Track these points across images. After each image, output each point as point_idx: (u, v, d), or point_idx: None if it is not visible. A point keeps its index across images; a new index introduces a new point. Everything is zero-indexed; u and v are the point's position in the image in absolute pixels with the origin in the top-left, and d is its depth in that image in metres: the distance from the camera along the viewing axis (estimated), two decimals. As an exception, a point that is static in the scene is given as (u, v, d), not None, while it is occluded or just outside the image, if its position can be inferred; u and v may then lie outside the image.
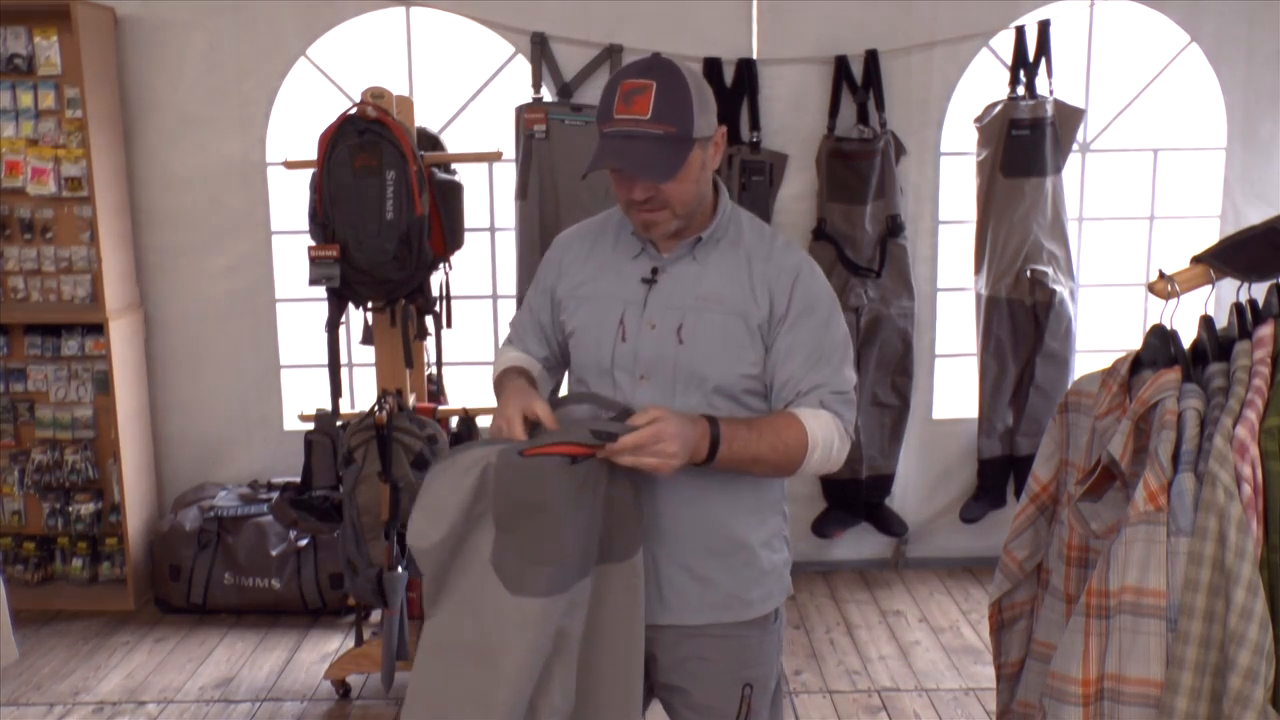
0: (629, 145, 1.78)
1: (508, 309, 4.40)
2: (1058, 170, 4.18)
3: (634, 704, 1.87)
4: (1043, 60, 4.16)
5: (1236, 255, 1.78)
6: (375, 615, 3.82)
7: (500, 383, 2.02)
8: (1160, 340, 1.74)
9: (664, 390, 1.88)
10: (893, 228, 4.20)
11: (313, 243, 3.29)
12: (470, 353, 4.52)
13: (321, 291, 3.34)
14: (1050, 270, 4.16)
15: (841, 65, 4.17)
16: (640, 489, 1.84)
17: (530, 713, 1.77)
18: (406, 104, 3.43)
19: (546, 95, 4.17)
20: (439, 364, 3.81)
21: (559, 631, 1.77)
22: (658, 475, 1.75)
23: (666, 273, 1.92)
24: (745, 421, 1.83)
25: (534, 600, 1.72)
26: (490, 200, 4.40)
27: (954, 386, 4.56)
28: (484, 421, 3.54)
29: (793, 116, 4.22)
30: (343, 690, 3.55)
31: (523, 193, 4.07)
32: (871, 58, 4.16)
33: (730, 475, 1.86)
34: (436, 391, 3.82)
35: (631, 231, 1.95)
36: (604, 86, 1.86)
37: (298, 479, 3.52)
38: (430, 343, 3.55)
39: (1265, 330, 1.63)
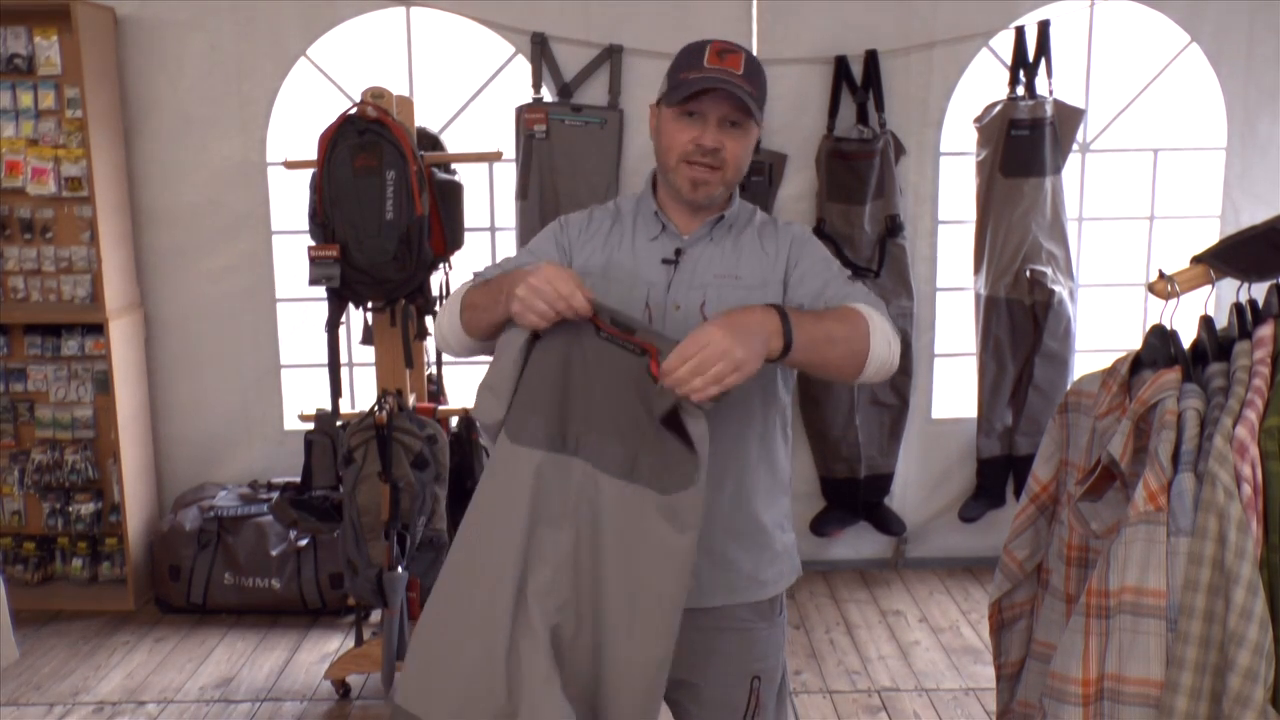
0: (725, 84, 1.81)
1: (508, 309, 4.39)
2: (1057, 170, 4.18)
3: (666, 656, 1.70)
4: (1042, 60, 4.16)
5: (1236, 255, 1.78)
6: (375, 615, 3.82)
7: (484, 287, 1.84)
8: (1160, 340, 1.74)
9: None
10: (892, 228, 4.20)
11: (313, 243, 3.29)
12: (470, 353, 4.52)
13: (321, 291, 3.34)
14: (1049, 270, 4.16)
15: (841, 65, 4.18)
16: (700, 431, 1.63)
17: (519, 591, 1.68)
18: (406, 104, 3.43)
19: (546, 95, 4.17)
20: (439, 364, 3.81)
21: (559, 502, 1.68)
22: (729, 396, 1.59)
23: (688, 254, 1.93)
24: (808, 312, 1.78)
25: (523, 449, 1.70)
26: (490, 200, 4.40)
27: (953, 386, 4.56)
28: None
29: (792, 116, 4.23)
30: (343, 690, 3.55)
31: (523, 193, 4.07)
32: (871, 58, 4.16)
33: (748, 454, 1.87)
34: (436, 391, 3.82)
35: (654, 212, 1.95)
36: (681, 51, 1.88)
37: (298, 479, 3.52)
38: (430, 343, 3.55)
39: (1265, 330, 1.63)
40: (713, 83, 1.81)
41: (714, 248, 1.94)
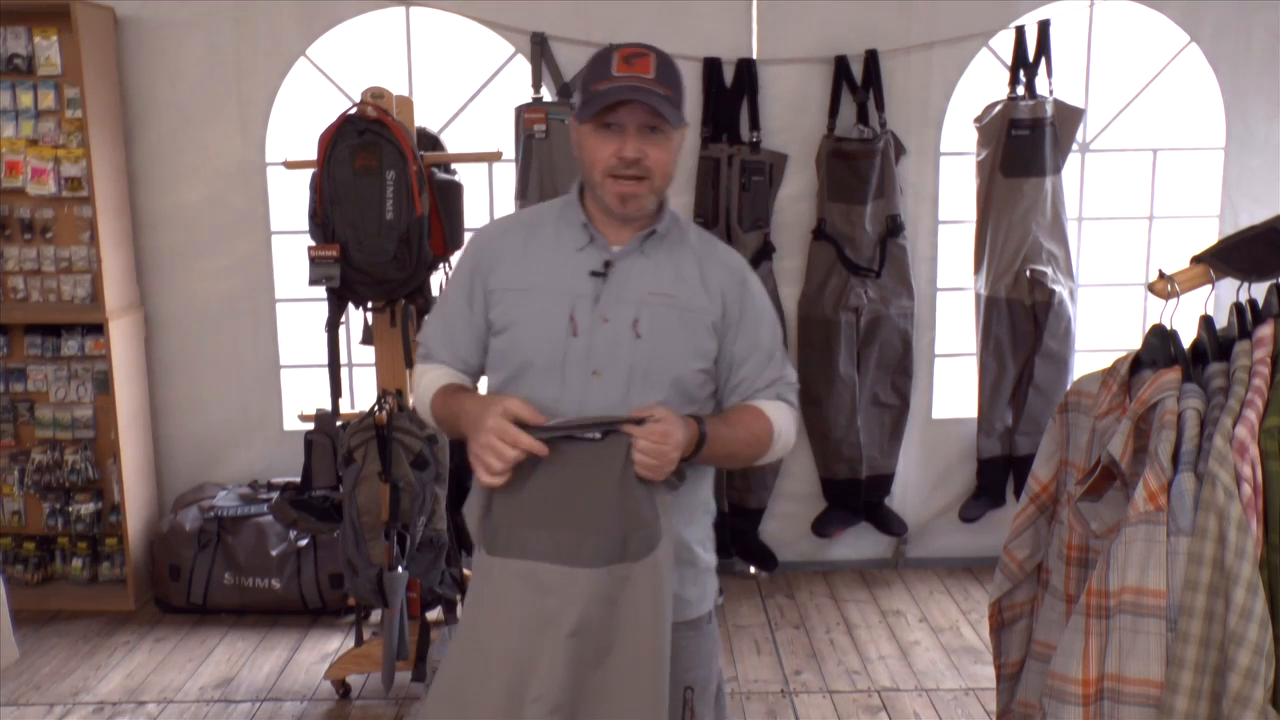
0: (636, 92, 1.78)
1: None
2: (1057, 170, 4.18)
3: (659, 712, 1.77)
4: (1042, 60, 4.16)
5: (1236, 255, 1.78)
6: (375, 615, 3.82)
7: (443, 404, 1.92)
8: (1160, 340, 1.74)
9: (618, 386, 1.86)
10: (892, 228, 4.20)
11: (313, 243, 3.29)
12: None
13: (321, 291, 3.34)
14: (1049, 270, 4.16)
15: (841, 65, 4.18)
16: (655, 489, 1.77)
17: (513, 695, 1.71)
18: (406, 104, 3.43)
19: (546, 95, 4.17)
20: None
21: (539, 612, 1.71)
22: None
23: (617, 266, 1.89)
24: (722, 418, 1.89)
25: (502, 560, 1.72)
26: (490, 200, 4.40)
27: (953, 386, 4.56)
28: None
29: (793, 116, 4.23)
30: (343, 690, 3.55)
31: (523, 193, 4.07)
32: (871, 58, 4.16)
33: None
34: (436, 391, 3.82)
35: (583, 224, 1.91)
36: (590, 61, 1.86)
37: (298, 479, 3.52)
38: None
39: (1265, 330, 1.63)
40: (624, 93, 1.78)
41: (646, 262, 1.90)
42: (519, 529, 1.73)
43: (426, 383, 1.99)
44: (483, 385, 2.07)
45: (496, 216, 4.35)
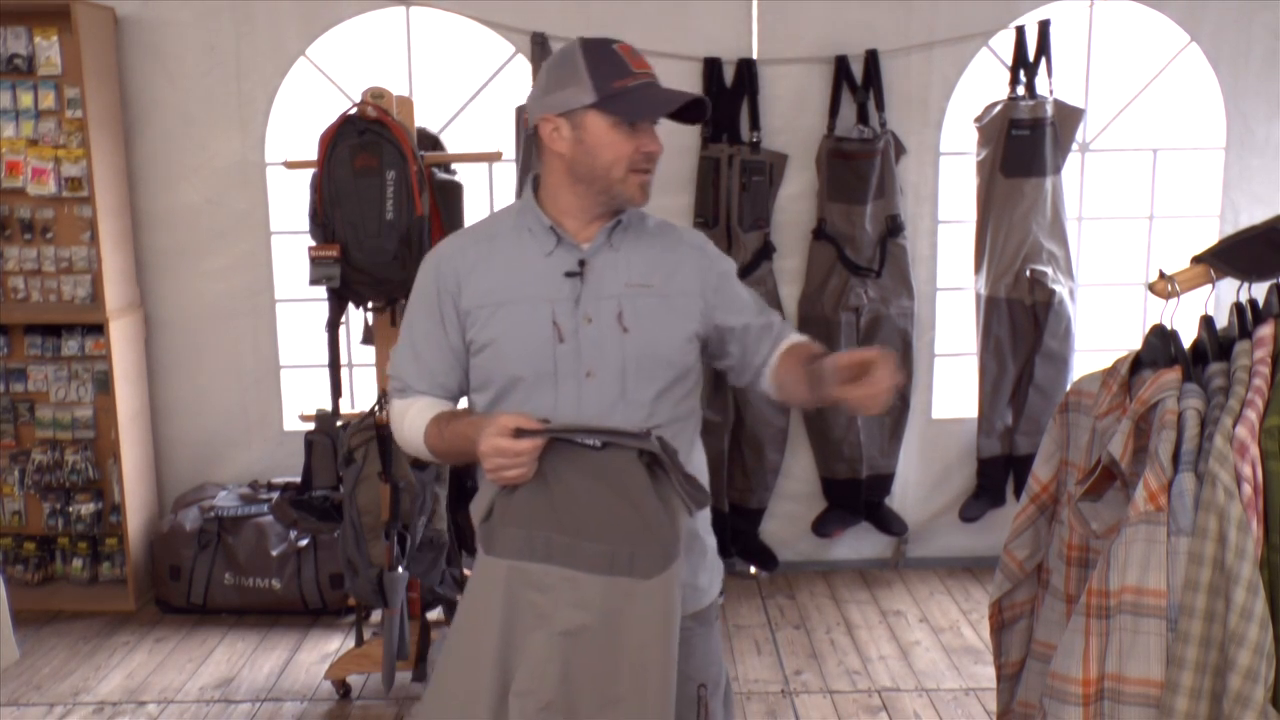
0: (683, 96, 1.83)
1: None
2: (1057, 170, 4.18)
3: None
4: (1042, 60, 4.16)
5: (1236, 255, 1.78)
6: (375, 615, 3.82)
7: (439, 435, 1.85)
8: (1160, 340, 1.74)
9: (612, 384, 1.84)
10: (892, 227, 4.20)
11: (313, 243, 3.29)
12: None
13: (321, 291, 3.34)
14: (1050, 270, 4.16)
15: (841, 65, 4.18)
16: (678, 509, 1.72)
17: (501, 689, 1.71)
18: (406, 104, 3.43)
19: (546, 95, 4.16)
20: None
21: (532, 608, 1.70)
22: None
23: (592, 264, 1.87)
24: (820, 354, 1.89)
25: (500, 560, 1.71)
26: (490, 200, 4.40)
27: (953, 386, 4.56)
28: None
29: (793, 116, 4.23)
30: (343, 690, 3.55)
31: (522, 193, 4.07)
32: (871, 58, 4.16)
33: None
34: (436, 391, 3.82)
35: (549, 227, 1.88)
36: (588, 52, 1.85)
37: (298, 479, 3.52)
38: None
39: (1265, 330, 1.63)
40: (680, 98, 1.82)
41: (616, 255, 1.89)
42: (520, 530, 1.72)
43: (411, 418, 1.91)
44: (463, 404, 2.02)
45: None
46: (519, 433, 1.67)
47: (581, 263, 1.87)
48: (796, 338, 2.01)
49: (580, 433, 1.70)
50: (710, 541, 2.03)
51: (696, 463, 1.98)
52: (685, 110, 1.85)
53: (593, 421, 1.80)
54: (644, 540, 1.68)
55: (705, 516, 2.01)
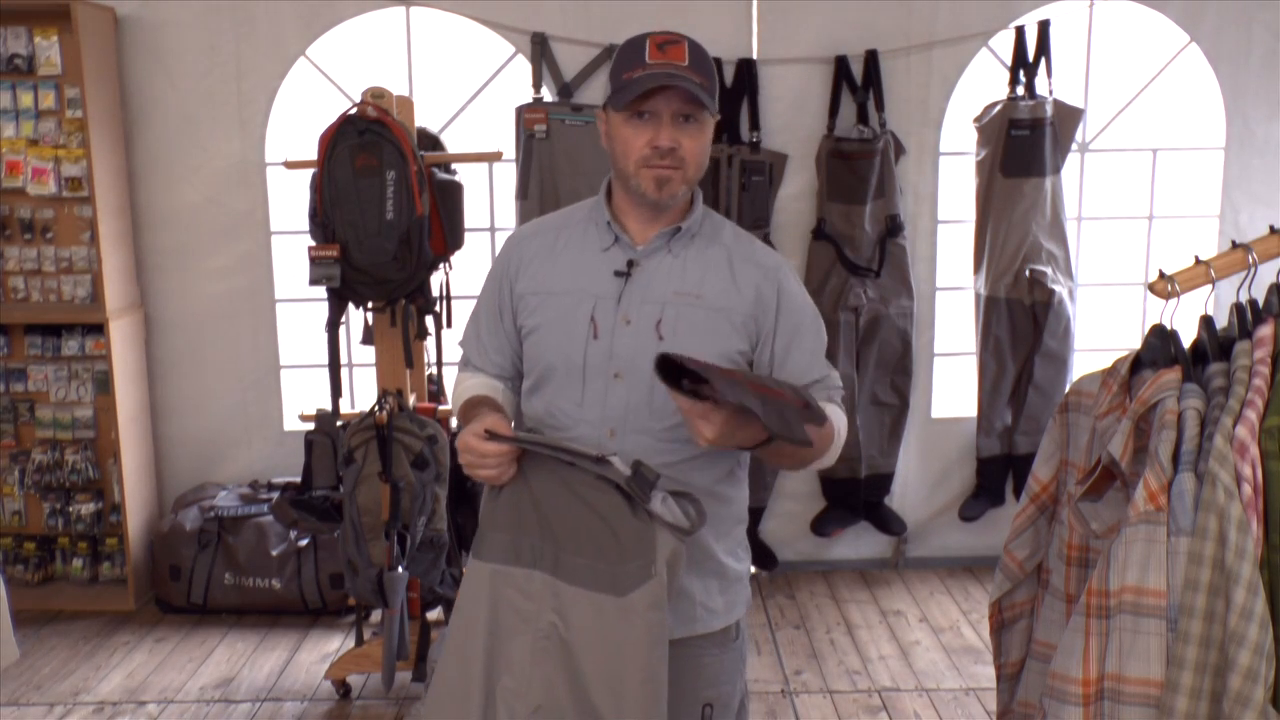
0: (671, 78, 1.74)
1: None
2: (1057, 170, 4.18)
3: None
4: (1042, 60, 4.16)
5: None
6: (375, 615, 3.82)
7: (462, 415, 1.89)
8: (1160, 340, 1.74)
9: (640, 389, 1.81)
10: (892, 227, 4.20)
11: (313, 243, 3.29)
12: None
13: (321, 291, 3.34)
14: (1049, 270, 4.16)
15: (841, 65, 4.18)
16: (659, 526, 1.68)
17: (490, 691, 1.73)
18: (406, 104, 3.43)
19: (547, 95, 4.17)
20: (439, 364, 3.81)
21: (518, 612, 1.71)
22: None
23: (641, 266, 1.84)
24: None
25: (486, 564, 1.73)
26: (490, 200, 4.40)
27: (953, 386, 4.57)
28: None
29: (793, 116, 4.23)
30: (343, 690, 3.55)
31: (523, 193, 4.07)
32: (871, 58, 4.17)
33: (701, 487, 1.82)
34: (437, 391, 3.82)
35: (607, 222, 1.87)
36: (621, 49, 1.82)
37: (298, 479, 3.52)
38: (430, 343, 3.55)
39: (1265, 330, 1.63)
40: (659, 80, 1.73)
41: (671, 260, 1.85)
42: (505, 535, 1.74)
43: (459, 393, 1.97)
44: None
45: (498, 216, 4.40)
46: (491, 435, 1.68)
47: (630, 263, 1.85)
48: (826, 407, 1.82)
49: (547, 449, 1.70)
50: (734, 565, 1.94)
51: (737, 480, 1.93)
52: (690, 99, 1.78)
53: (610, 422, 1.82)
54: (618, 557, 1.67)
55: (735, 542, 1.95)
